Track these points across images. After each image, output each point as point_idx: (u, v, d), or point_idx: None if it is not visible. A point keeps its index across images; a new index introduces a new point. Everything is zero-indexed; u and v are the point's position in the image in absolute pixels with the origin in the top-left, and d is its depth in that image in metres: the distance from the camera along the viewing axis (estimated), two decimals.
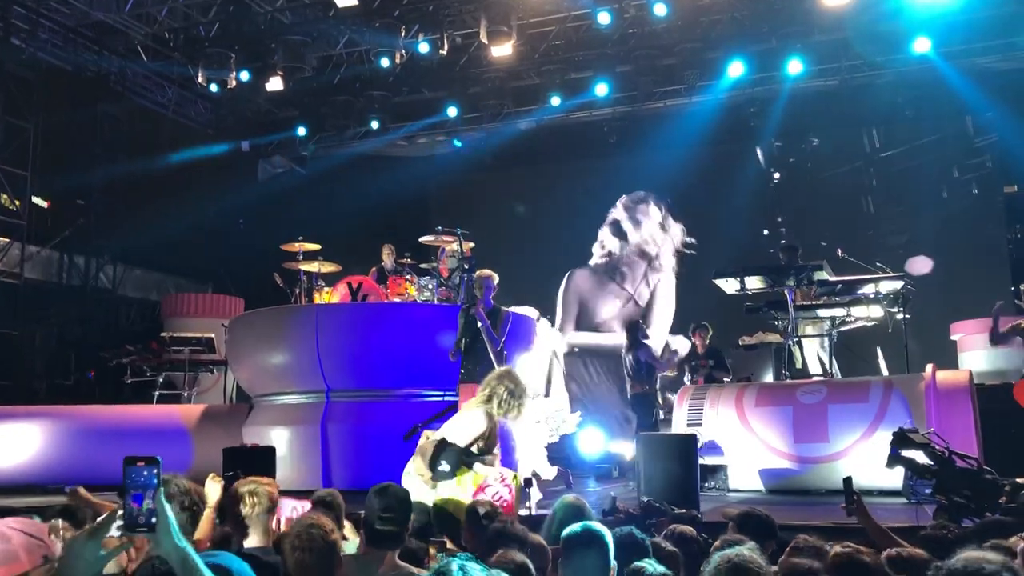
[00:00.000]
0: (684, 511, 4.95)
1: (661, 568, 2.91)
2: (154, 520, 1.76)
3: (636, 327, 10.19)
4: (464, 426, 5.67)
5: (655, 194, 15.13)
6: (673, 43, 12.74)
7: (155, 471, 1.80)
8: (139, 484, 1.78)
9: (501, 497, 5.19)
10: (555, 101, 13.44)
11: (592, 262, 15.38)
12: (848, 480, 4.16)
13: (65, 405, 10.28)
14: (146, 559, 2.51)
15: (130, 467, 1.79)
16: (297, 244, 10.20)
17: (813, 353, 9.76)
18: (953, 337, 11.67)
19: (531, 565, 3.05)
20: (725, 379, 9.80)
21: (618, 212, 15.31)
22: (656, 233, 15.09)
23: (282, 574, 3.13)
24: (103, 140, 13.50)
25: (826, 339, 9.61)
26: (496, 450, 5.77)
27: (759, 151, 14.50)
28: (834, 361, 9.77)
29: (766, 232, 14.21)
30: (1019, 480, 4.82)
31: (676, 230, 14.97)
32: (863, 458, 7.30)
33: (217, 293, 14.69)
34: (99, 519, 1.80)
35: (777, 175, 14.45)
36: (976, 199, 13.25)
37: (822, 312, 9.13)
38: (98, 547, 1.76)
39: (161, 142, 13.98)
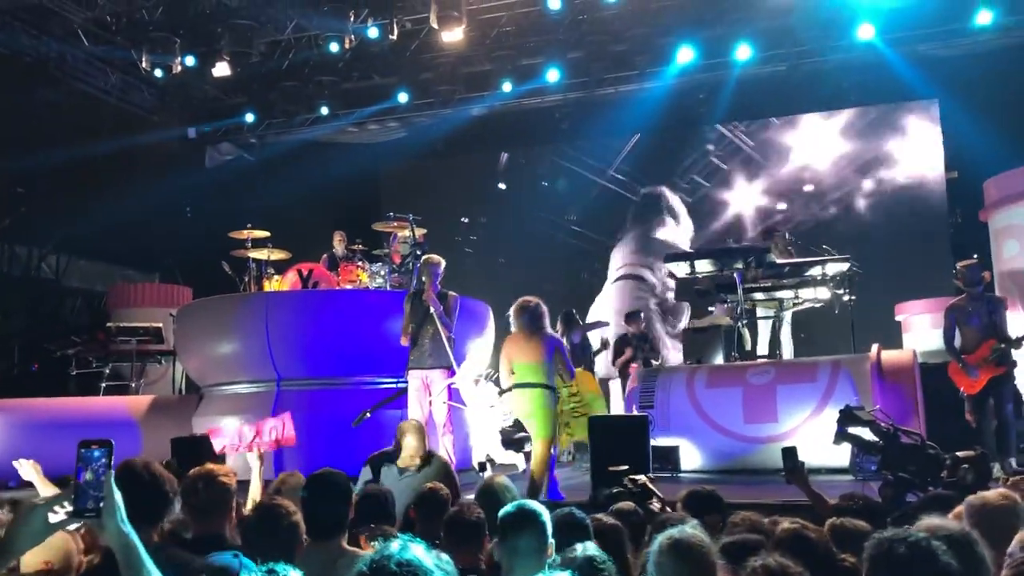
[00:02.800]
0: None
1: (593, 550, 2.84)
2: (102, 504, 1.76)
3: (569, 315, 10.27)
4: None
5: None
6: (623, 29, 12.76)
7: (107, 454, 1.80)
8: (90, 466, 1.78)
9: None
10: (506, 87, 13.41)
11: None
12: (787, 450, 4.23)
13: (8, 398, 10.03)
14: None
15: (84, 450, 1.80)
16: (246, 232, 10.07)
17: (765, 335, 9.91)
18: (898, 318, 11.93)
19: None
20: (655, 362, 10.22)
21: None
22: None
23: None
24: (43, 127, 13.11)
25: (777, 321, 9.76)
26: None
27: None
28: (790, 342, 9.93)
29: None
30: (959, 454, 4.94)
31: None
32: (812, 436, 7.43)
33: (164, 282, 14.46)
34: (53, 494, 1.80)
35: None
36: (918, 184, 13.53)
37: (770, 294, 9.26)
38: (44, 517, 1.74)
39: (104, 129, 13.62)
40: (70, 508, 1.76)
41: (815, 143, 14.17)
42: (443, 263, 7.63)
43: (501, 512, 2.99)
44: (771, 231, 10.80)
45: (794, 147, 14.30)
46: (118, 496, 1.78)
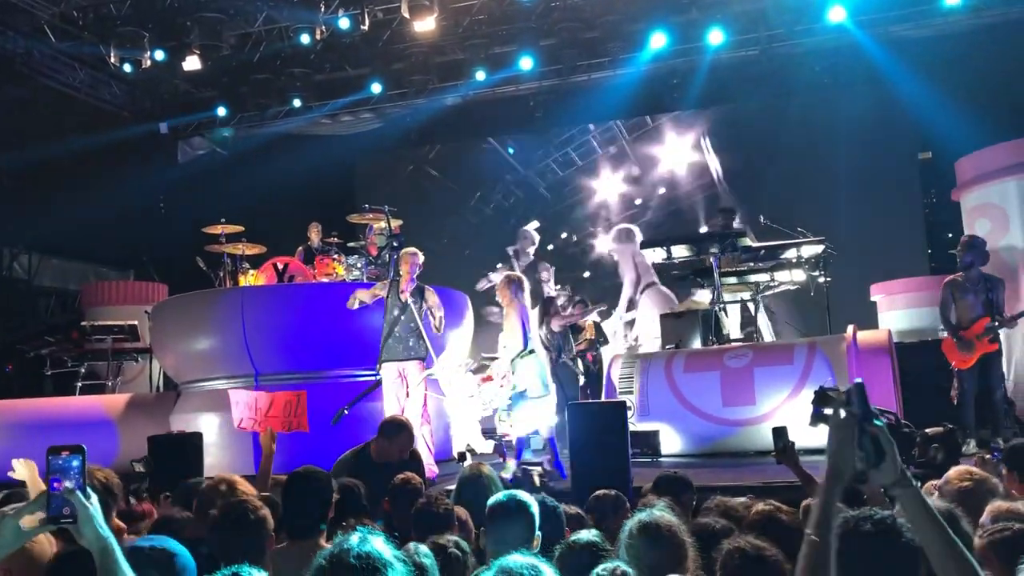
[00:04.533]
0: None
1: (590, 535, 2.87)
2: (77, 510, 1.75)
3: (549, 301, 10.25)
4: None
5: None
6: (595, 15, 12.74)
7: (79, 460, 1.78)
8: (63, 473, 1.76)
9: None
10: (480, 76, 13.35)
11: None
12: (778, 430, 4.23)
13: None
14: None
15: (53, 456, 1.77)
16: (220, 226, 9.98)
17: (741, 318, 9.98)
18: (873, 298, 12.01)
19: (464, 545, 3.02)
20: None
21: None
22: None
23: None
24: (11, 124, 12.92)
25: (753, 304, 9.81)
26: None
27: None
28: (768, 325, 10.00)
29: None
30: (928, 431, 4.99)
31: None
32: (790, 418, 7.44)
33: (139, 280, 14.32)
34: (24, 503, 1.79)
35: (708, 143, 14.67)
36: (892, 165, 13.60)
37: (746, 278, 9.30)
38: (15, 526, 1.74)
39: (74, 125, 13.45)
40: (43, 515, 1.75)
41: (788, 123, 14.22)
42: (421, 255, 7.61)
43: (490, 500, 3.00)
44: (730, 210, 10.84)
45: (772, 125, 14.33)
46: (95, 501, 1.77)
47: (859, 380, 1.88)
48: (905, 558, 1.93)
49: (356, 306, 7.67)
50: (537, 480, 6.54)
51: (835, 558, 1.75)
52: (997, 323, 7.49)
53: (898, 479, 1.81)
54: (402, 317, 7.41)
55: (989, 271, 7.82)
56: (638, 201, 15.08)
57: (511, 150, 15.70)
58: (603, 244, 15.18)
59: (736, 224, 10.37)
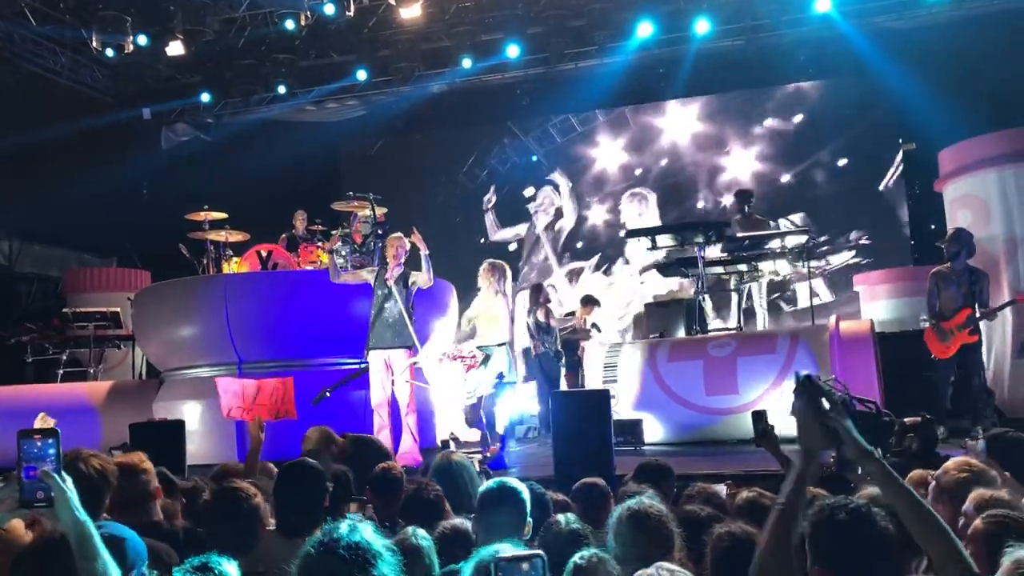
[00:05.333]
0: None
1: (574, 522, 2.93)
2: (53, 494, 1.71)
3: (538, 288, 10.27)
4: None
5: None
6: (583, 4, 12.72)
7: (52, 444, 1.72)
8: (35, 457, 1.71)
9: None
10: (466, 63, 13.31)
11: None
12: (757, 413, 4.24)
13: None
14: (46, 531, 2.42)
15: (25, 440, 1.72)
16: (203, 213, 9.92)
17: (732, 306, 10.02)
18: (856, 288, 12.08)
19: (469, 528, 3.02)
20: None
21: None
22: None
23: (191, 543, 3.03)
24: None
25: (739, 294, 9.85)
26: None
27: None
28: (764, 313, 10.02)
29: None
30: (906, 420, 5.02)
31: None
32: (772, 407, 7.48)
33: (122, 267, 14.22)
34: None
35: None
36: (874, 155, 13.67)
37: (730, 268, 9.33)
38: None
39: (55, 110, 13.31)
40: (16, 498, 1.72)
41: (772, 112, 14.25)
42: (407, 241, 7.60)
43: (482, 488, 3.02)
44: (747, 193, 10.77)
45: (758, 117, 14.36)
46: (70, 485, 1.73)
47: (803, 373, 2.16)
48: (879, 545, 1.99)
49: (338, 280, 7.70)
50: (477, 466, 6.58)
51: (810, 545, 1.87)
52: (979, 315, 7.60)
53: (860, 453, 2.04)
54: (387, 304, 7.41)
55: (973, 263, 7.90)
56: (638, 171, 14.96)
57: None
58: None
59: (751, 209, 10.25)
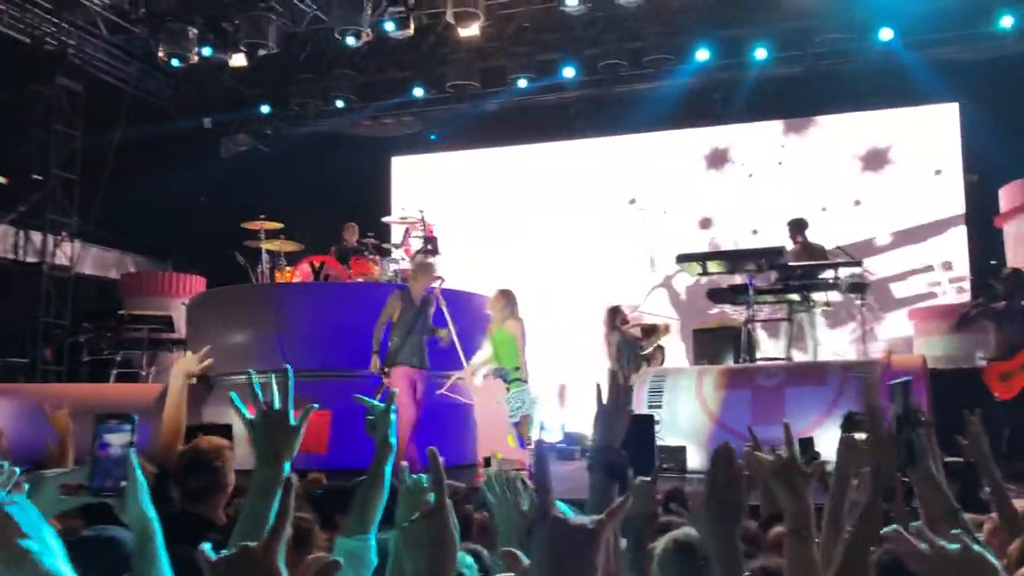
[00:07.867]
0: None
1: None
2: (123, 483, 1.59)
3: (615, 310, 10.06)
4: None
5: None
6: (640, 27, 12.74)
7: (130, 430, 1.63)
8: (112, 442, 1.62)
9: None
10: (522, 83, 13.40)
11: None
12: (804, 441, 4.18)
13: (20, 383, 10.10)
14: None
15: (101, 424, 1.63)
16: (259, 222, 10.09)
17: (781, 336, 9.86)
18: (910, 322, 11.84)
19: (483, 552, 3.00)
20: None
21: None
22: None
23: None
24: (61, 115, 13.20)
25: (791, 323, 9.66)
26: None
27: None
28: (817, 342, 9.82)
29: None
30: (946, 460, 4.87)
31: None
32: (821, 440, 7.38)
33: (178, 272, 14.50)
34: (66, 469, 1.69)
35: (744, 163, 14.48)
36: (938, 190, 13.38)
37: (780, 297, 9.20)
38: (53, 492, 1.63)
39: (121, 117, 13.70)
40: (86, 485, 1.62)
41: (833, 142, 14.06)
42: (436, 269, 7.75)
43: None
44: (801, 222, 10.42)
45: (812, 145, 14.19)
46: (141, 476, 1.63)
47: (907, 379, 2.06)
48: None
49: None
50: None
51: None
52: None
53: (928, 478, 1.94)
54: (416, 325, 7.47)
55: None
56: None
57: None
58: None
59: (805, 237, 9.93)
